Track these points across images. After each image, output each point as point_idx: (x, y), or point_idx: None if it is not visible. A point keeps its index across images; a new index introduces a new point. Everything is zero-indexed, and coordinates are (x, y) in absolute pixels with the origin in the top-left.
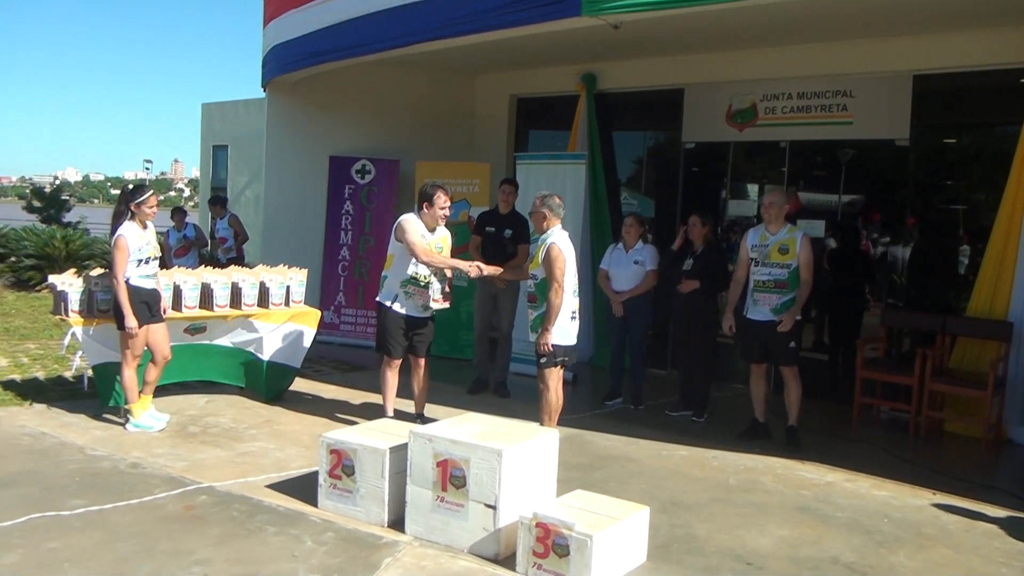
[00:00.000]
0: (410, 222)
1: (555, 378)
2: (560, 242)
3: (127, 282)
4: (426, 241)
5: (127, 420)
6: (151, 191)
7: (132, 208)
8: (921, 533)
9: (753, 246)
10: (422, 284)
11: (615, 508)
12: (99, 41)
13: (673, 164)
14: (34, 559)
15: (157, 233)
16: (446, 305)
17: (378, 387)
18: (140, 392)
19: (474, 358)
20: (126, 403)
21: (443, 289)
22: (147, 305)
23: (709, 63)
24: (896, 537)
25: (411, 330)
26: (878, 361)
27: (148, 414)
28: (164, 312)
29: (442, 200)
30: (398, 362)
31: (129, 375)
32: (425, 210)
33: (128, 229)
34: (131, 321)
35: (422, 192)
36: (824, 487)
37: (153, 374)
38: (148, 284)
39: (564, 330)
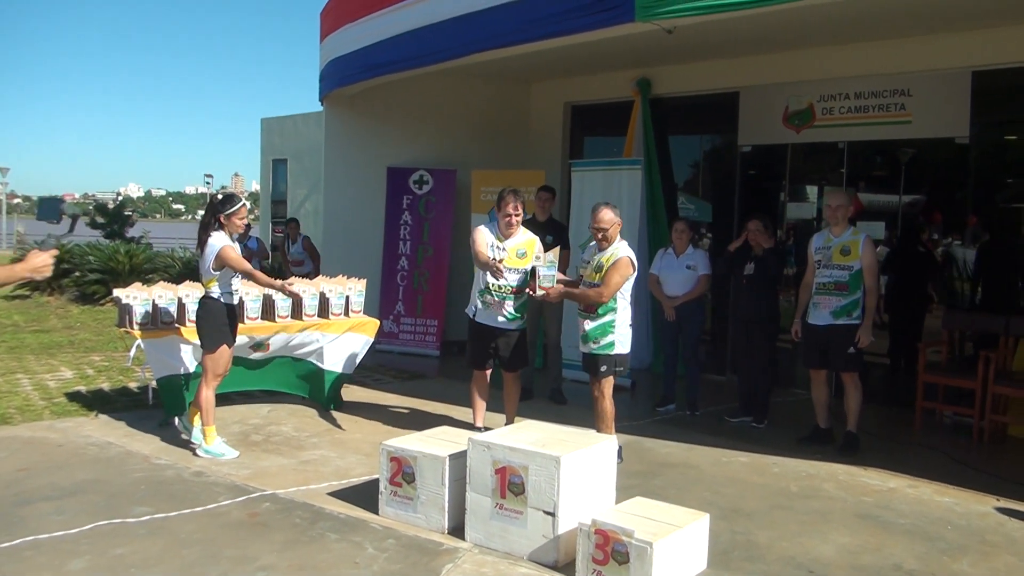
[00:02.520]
0: (478, 231)
1: (610, 386)
2: (631, 254)
3: (219, 299)
4: (499, 249)
5: (199, 445)
6: (242, 202)
7: (221, 219)
8: (985, 540)
9: (817, 248)
10: (495, 294)
11: (675, 515)
12: (160, 58)
13: (730, 167)
14: (101, 565)
15: None
16: (541, 293)
17: (437, 395)
18: (205, 425)
19: None
20: (202, 423)
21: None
22: (230, 323)
23: (764, 65)
24: (959, 545)
25: (491, 340)
26: (940, 364)
27: (221, 441)
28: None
29: (509, 206)
30: (482, 373)
31: (209, 395)
32: (499, 217)
33: (223, 239)
34: (284, 285)
35: (498, 196)
36: (886, 493)
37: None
38: (234, 300)
39: (624, 339)
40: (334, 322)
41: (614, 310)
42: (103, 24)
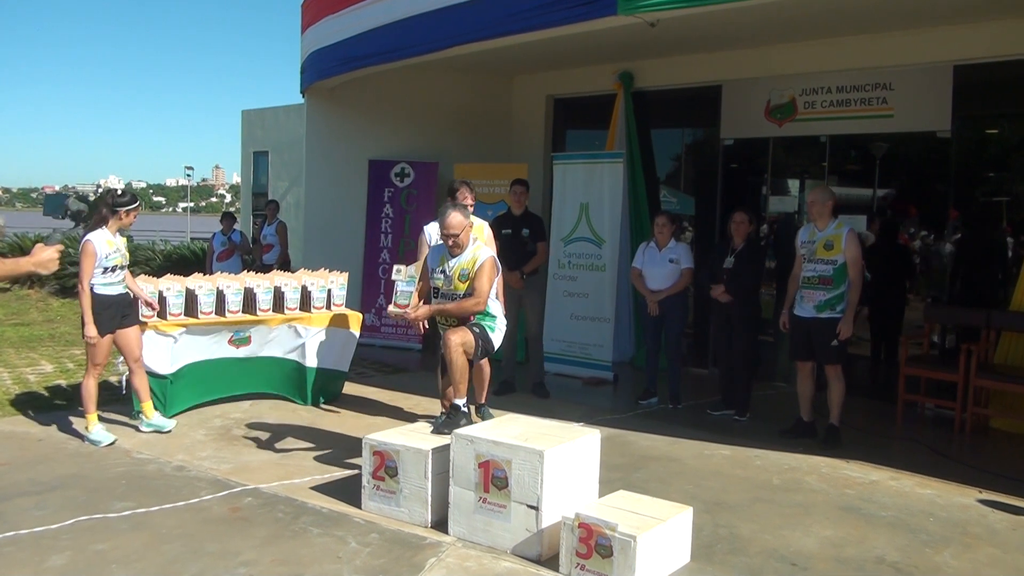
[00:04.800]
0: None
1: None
2: (493, 253)
3: (92, 290)
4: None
5: (85, 432)
6: (139, 202)
7: (122, 214)
8: (967, 532)
9: (803, 243)
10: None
11: (658, 508)
12: (141, 49)
13: (712, 161)
14: (82, 560)
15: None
16: (396, 312)
17: (420, 389)
18: (142, 402)
19: (502, 359)
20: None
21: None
22: (113, 311)
23: (747, 59)
24: (942, 536)
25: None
26: (922, 357)
27: (100, 428)
28: (162, 311)
29: (463, 197)
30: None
31: (89, 384)
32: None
33: (97, 236)
34: (90, 330)
35: (448, 188)
36: (868, 486)
37: (138, 380)
38: (114, 290)
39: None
40: (316, 315)
41: (493, 316)
42: (83, 16)
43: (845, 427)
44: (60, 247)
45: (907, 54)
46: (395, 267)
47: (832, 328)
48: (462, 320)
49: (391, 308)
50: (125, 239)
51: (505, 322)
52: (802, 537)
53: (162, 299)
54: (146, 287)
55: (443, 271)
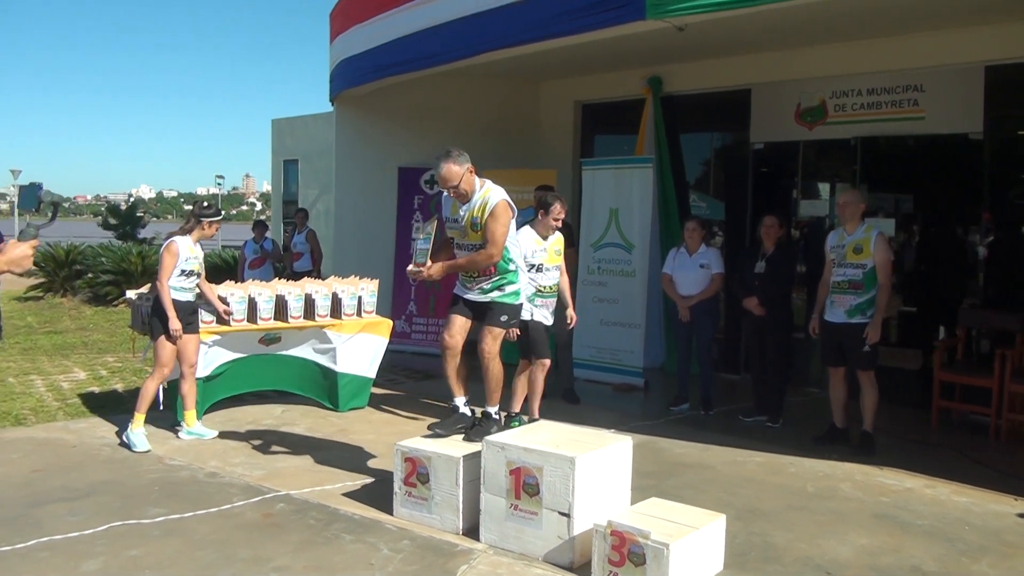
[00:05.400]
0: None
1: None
2: (504, 195)
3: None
4: (540, 247)
5: (178, 430)
6: (222, 216)
7: (205, 224)
8: (1004, 541)
9: (832, 247)
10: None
11: (691, 516)
12: (172, 60)
13: (742, 165)
14: (116, 566)
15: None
16: (415, 270)
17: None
18: (186, 409)
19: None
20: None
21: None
22: (180, 316)
23: (776, 62)
24: (978, 545)
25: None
26: (956, 363)
27: (141, 433)
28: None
29: (557, 210)
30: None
31: (150, 386)
32: (540, 218)
33: (181, 239)
34: (175, 323)
35: (540, 200)
36: (903, 493)
37: (187, 387)
38: (184, 296)
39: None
40: (347, 322)
41: (514, 273)
42: (114, 27)
43: (879, 433)
44: (36, 242)
45: (938, 55)
46: (414, 225)
47: (863, 333)
48: (481, 272)
49: (409, 267)
50: (202, 252)
51: (525, 284)
52: (837, 545)
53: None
54: None
55: (456, 220)
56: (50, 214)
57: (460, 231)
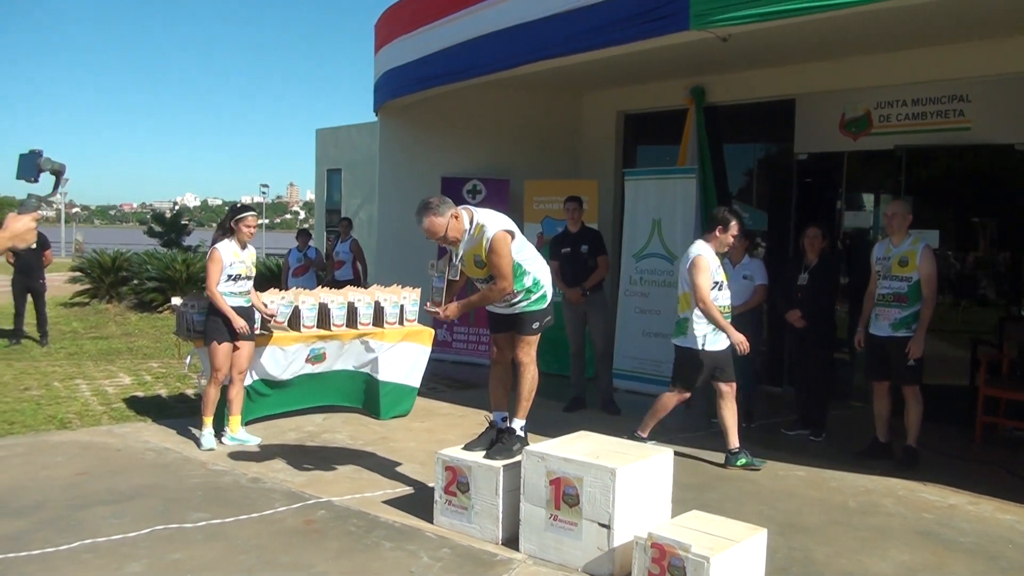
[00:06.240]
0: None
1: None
2: (502, 224)
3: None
4: (717, 265)
5: (222, 435)
6: (252, 212)
7: (231, 225)
8: None
9: (878, 259)
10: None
11: (732, 529)
12: (217, 70)
13: (785, 176)
14: (158, 569)
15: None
16: (437, 311)
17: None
18: (231, 415)
19: (572, 376)
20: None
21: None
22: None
23: (820, 72)
24: (1022, 564)
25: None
26: (1002, 378)
27: (209, 433)
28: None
29: (735, 228)
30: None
31: (210, 391)
32: (717, 235)
33: (223, 245)
34: (239, 321)
35: (715, 216)
36: (946, 510)
37: (235, 392)
38: (236, 302)
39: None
40: (389, 331)
41: (532, 284)
42: (160, 39)
43: (922, 449)
44: (38, 214)
45: (984, 65)
46: (429, 262)
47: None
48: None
49: (427, 305)
50: (253, 253)
51: (549, 283)
52: (878, 562)
53: None
54: None
55: (462, 260)
56: (55, 184)
57: (467, 269)
